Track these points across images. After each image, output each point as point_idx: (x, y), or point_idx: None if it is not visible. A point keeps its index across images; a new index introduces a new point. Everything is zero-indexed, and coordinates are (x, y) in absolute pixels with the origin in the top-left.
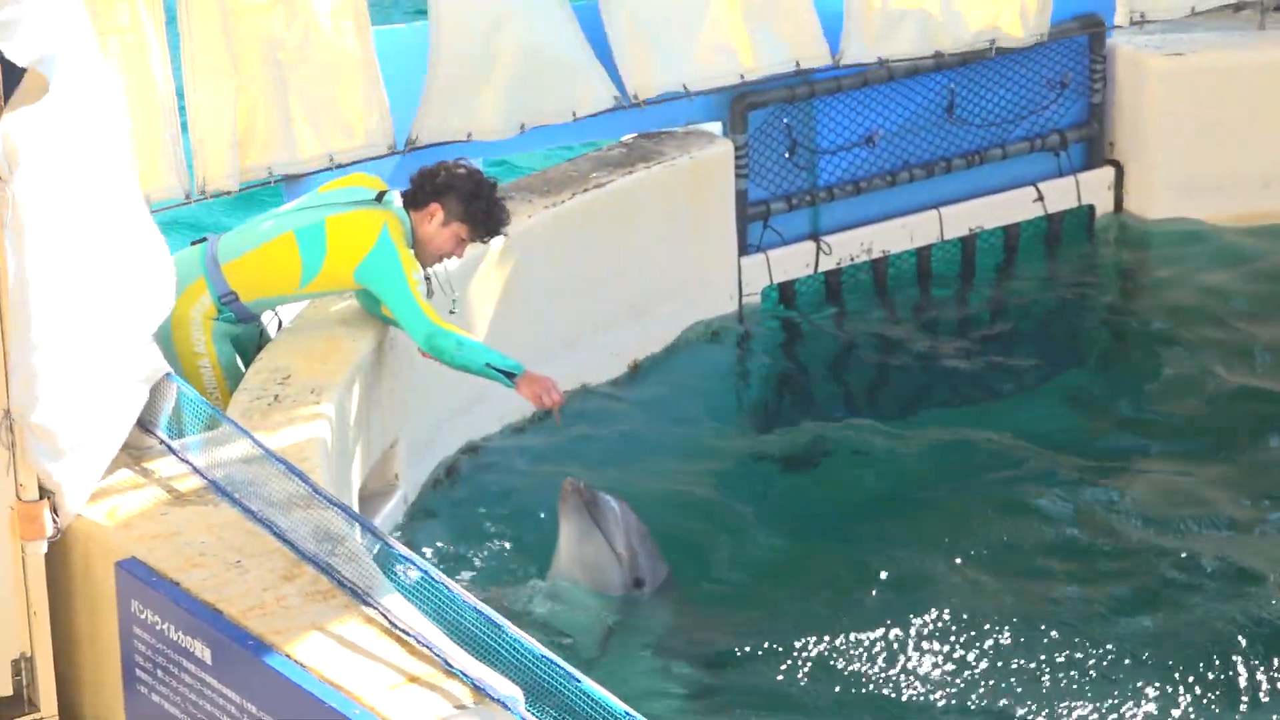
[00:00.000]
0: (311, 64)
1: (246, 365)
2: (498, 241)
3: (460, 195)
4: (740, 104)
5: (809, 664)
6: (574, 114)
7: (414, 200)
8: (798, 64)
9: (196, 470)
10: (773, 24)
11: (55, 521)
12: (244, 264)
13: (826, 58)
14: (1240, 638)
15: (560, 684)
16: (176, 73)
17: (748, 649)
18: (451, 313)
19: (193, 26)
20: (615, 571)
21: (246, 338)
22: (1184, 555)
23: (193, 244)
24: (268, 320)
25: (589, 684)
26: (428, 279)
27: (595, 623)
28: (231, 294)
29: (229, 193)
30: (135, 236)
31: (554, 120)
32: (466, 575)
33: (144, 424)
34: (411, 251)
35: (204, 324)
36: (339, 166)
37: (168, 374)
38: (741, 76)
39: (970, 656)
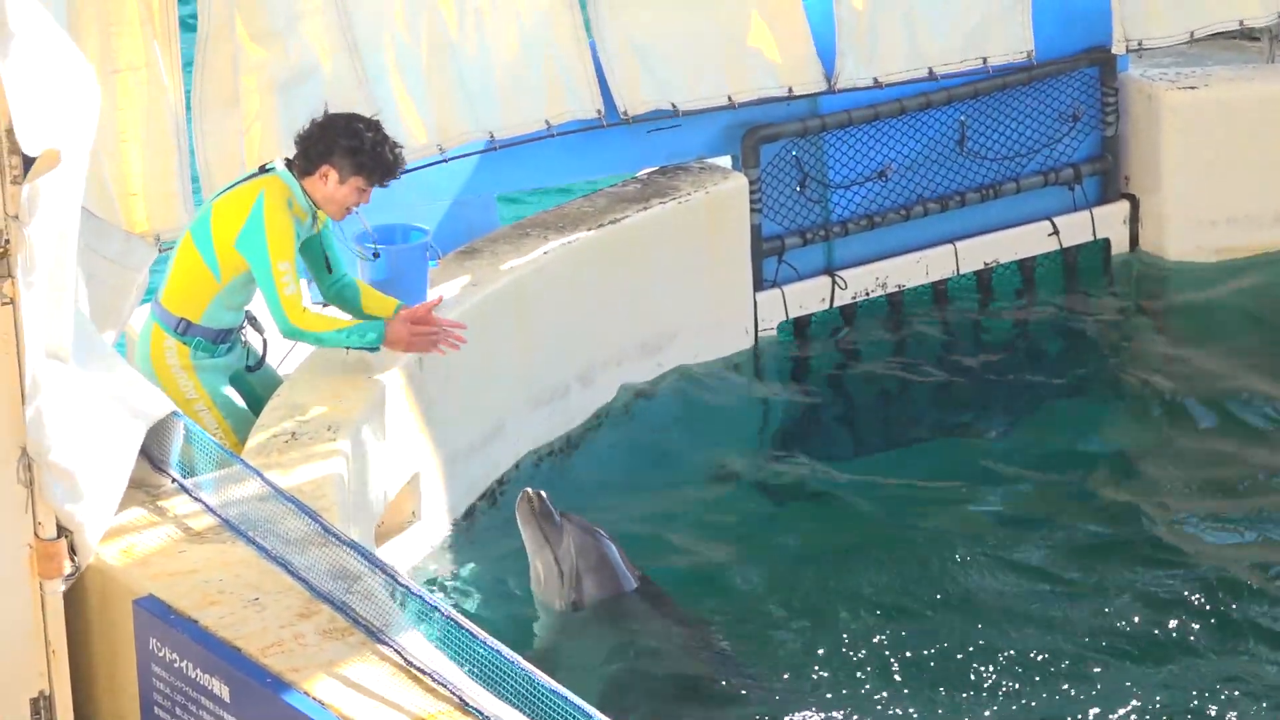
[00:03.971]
0: (308, 89)
1: (246, 400)
2: (513, 276)
3: (344, 150)
4: (751, 138)
5: (806, 688)
6: (548, 123)
7: (304, 168)
8: (790, 89)
9: (210, 509)
10: (765, 48)
11: (74, 560)
12: (171, 286)
13: (821, 83)
14: (1255, 661)
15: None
16: (189, 111)
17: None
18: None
19: (207, 59)
20: (555, 587)
21: (238, 369)
22: (1197, 585)
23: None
24: (255, 342)
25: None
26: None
27: (538, 635)
28: (181, 320)
29: None
30: None
31: (527, 129)
32: (484, 611)
33: (156, 462)
34: (295, 220)
35: (184, 367)
36: None
37: (174, 411)
38: (730, 98)
39: (972, 687)
